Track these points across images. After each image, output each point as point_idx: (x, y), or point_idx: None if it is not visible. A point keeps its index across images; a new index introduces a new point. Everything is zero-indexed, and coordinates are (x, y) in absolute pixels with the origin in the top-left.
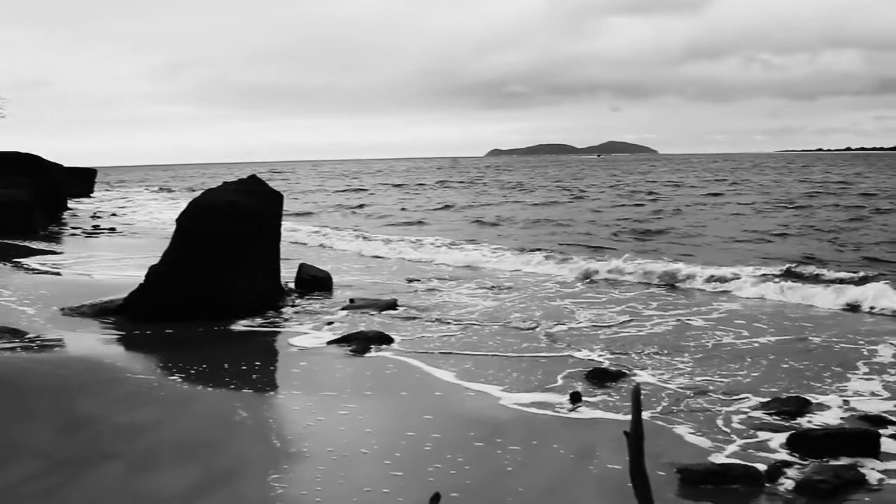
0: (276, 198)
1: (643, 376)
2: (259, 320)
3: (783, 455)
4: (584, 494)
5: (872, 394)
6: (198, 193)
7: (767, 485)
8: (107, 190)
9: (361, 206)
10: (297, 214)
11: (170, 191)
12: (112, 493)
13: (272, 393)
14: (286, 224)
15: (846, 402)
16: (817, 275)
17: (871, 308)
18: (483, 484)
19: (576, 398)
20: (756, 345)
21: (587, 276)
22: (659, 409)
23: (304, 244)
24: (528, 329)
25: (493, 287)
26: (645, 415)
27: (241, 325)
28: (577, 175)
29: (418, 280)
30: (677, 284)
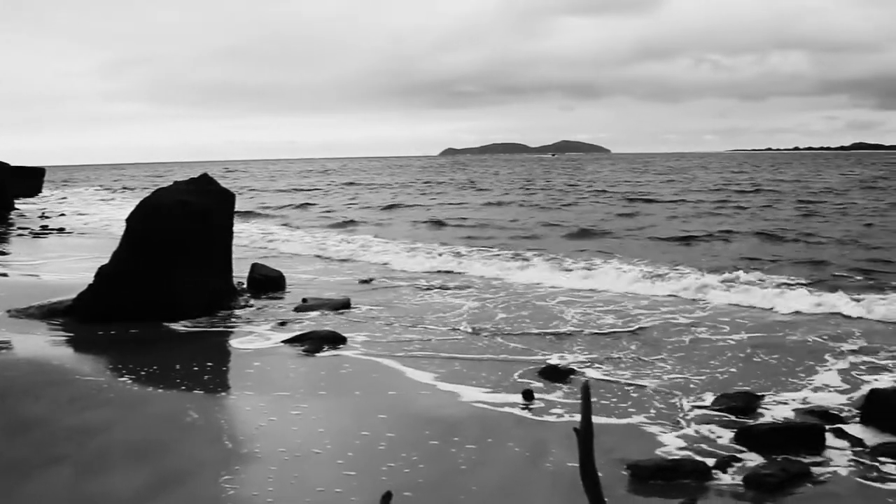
0: (228, 197)
1: (594, 373)
2: (211, 320)
3: (732, 450)
4: (537, 492)
5: (819, 390)
6: (148, 193)
7: (716, 479)
8: (56, 189)
9: (310, 205)
10: (248, 213)
11: (120, 190)
12: (61, 496)
13: (224, 394)
14: (237, 223)
15: (794, 398)
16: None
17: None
18: (436, 482)
19: (528, 396)
20: (706, 342)
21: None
22: (610, 405)
23: (255, 243)
24: (480, 328)
25: (444, 287)
26: (595, 411)
27: (192, 326)
28: (545, 175)
29: (371, 280)
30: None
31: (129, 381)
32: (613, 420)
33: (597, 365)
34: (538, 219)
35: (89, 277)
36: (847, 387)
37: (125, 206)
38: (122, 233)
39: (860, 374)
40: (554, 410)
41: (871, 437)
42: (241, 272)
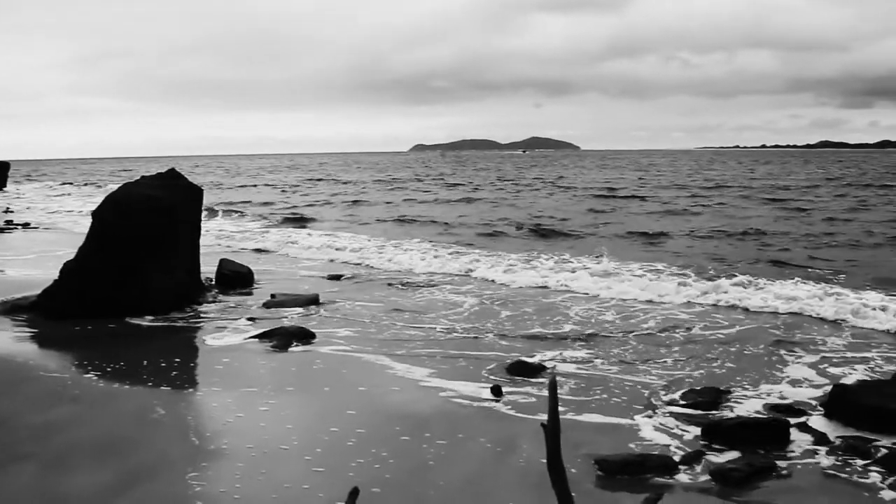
0: (196, 192)
1: (564, 370)
2: (178, 316)
3: (699, 445)
4: (504, 487)
5: (785, 385)
6: (116, 187)
7: (683, 473)
8: (21, 184)
9: (279, 201)
10: (215, 209)
11: (88, 185)
12: (25, 494)
13: (191, 390)
14: (205, 220)
15: (760, 393)
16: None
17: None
18: (405, 478)
19: (497, 392)
20: (674, 338)
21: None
22: (579, 401)
23: (222, 240)
24: (449, 326)
25: (411, 284)
26: (564, 407)
27: (159, 322)
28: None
29: (340, 276)
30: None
31: (95, 378)
32: (582, 416)
33: (567, 361)
34: (497, 215)
35: (54, 273)
36: (812, 382)
37: (92, 200)
38: (87, 228)
39: (825, 370)
40: (523, 406)
41: (833, 431)
42: (208, 268)
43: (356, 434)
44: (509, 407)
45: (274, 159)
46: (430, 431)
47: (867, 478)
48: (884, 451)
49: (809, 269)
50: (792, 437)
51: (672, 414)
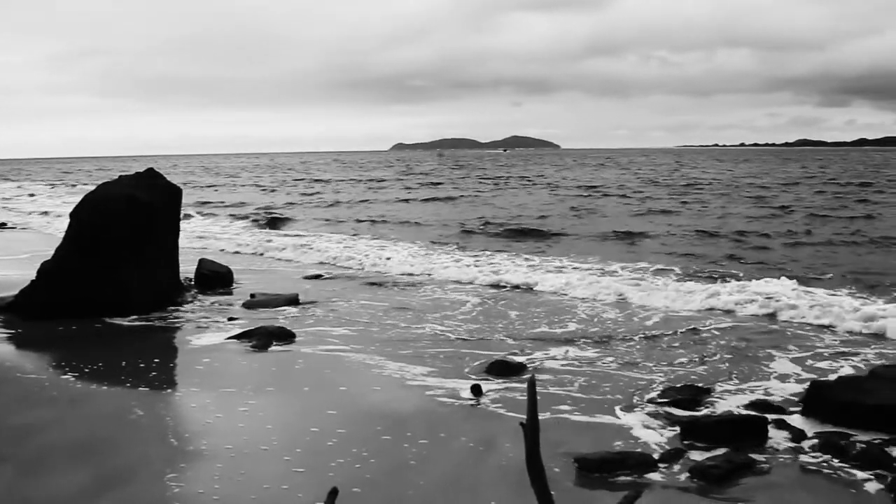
0: (175, 192)
1: (544, 368)
2: (157, 316)
3: (678, 442)
4: (484, 486)
5: (764, 383)
6: (94, 187)
7: (662, 471)
8: None
9: (258, 202)
10: (193, 209)
11: (66, 184)
12: (2, 497)
13: (170, 390)
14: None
15: (740, 391)
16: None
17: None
18: (385, 478)
19: (477, 391)
20: (655, 338)
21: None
22: (559, 399)
23: (202, 241)
24: (429, 325)
25: (389, 284)
26: (544, 405)
27: (138, 322)
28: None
29: (319, 276)
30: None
31: (73, 379)
32: (563, 414)
33: (547, 360)
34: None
35: (31, 273)
36: (791, 380)
37: (70, 200)
38: (65, 227)
39: (805, 369)
40: (503, 405)
41: (811, 427)
42: (187, 268)
43: (336, 434)
44: (489, 406)
45: (254, 158)
46: (410, 431)
47: (844, 473)
48: (860, 446)
49: (790, 269)
50: (770, 435)
51: (652, 412)
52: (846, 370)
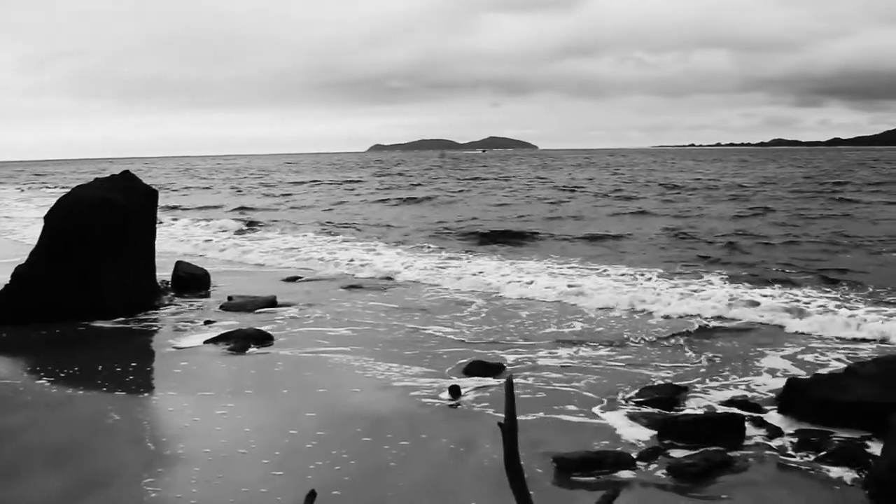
0: (151, 194)
1: (522, 369)
2: (134, 320)
3: (656, 441)
4: (463, 487)
5: (741, 382)
6: (68, 190)
7: (640, 470)
8: None
9: (238, 204)
10: (171, 211)
11: (39, 187)
12: None
13: (147, 394)
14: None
15: (717, 389)
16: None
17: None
18: (365, 480)
19: (455, 392)
20: (632, 339)
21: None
22: (537, 400)
23: (181, 245)
24: (407, 326)
25: (364, 286)
26: (523, 406)
27: (115, 325)
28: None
29: (297, 278)
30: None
31: (48, 384)
32: (541, 414)
33: (525, 361)
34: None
35: (5, 278)
36: (769, 379)
37: (44, 203)
38: (39, 231)
39: (783, 368)
40: (481, 405)
41: (788, 425)
42: (164, 271)
43: (316, 436)
44: (468, 406)
45: (231, 160)
46: (389, 432)
47: (820, 470)
48: (836, 443)
49: (771, 270)
50: (748, 432)
51: (630, 412)
52: (824, 368)
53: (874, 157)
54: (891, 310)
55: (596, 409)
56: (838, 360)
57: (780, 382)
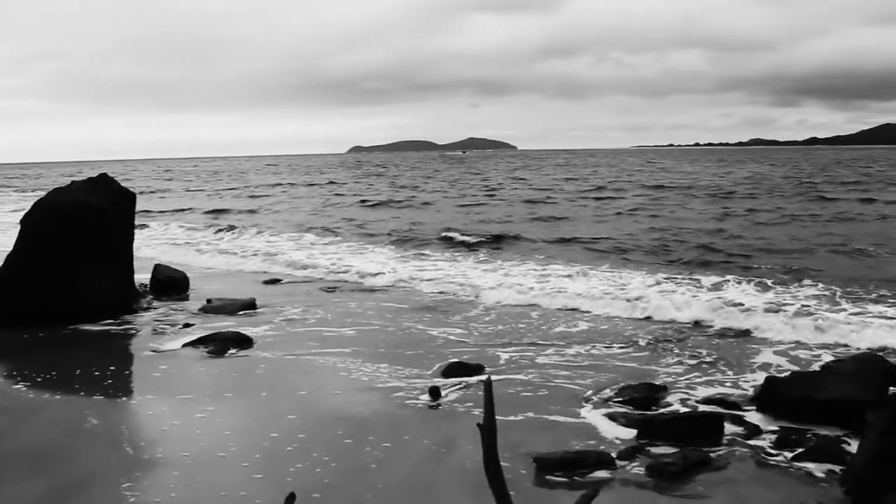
0: (128, 197)
1: (502, 370)
2: (112, 323)
3: (635, 440)
4: (443, 488)
5: (719, 380)
6: (45, 193)
7: (620, 469)
8: None
9: (218, 207)
10: (148, 214)
11: (16, 190)
12: None
13: (125, 398)
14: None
15: (696, 388)
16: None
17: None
18: (345, 482)
19: (435, 393)
20: (612, 340)
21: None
22: (517, 400)
23: (161, 246)
24: (388, 328)
25: (343, 289)
26: (503, 406)
27: (92, 329)
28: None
29: (278, 280)
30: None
31: (25, 388)
32: (521, 415)
33: (504, 361)
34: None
35: None
36: (748, 378)
37: (21, 207)
38: (16, 235)
39: (760, 366)
40: (462, 406)
41: (766, 423)
42: (142, 274)
43: (297, 439)
44: (448, 407)
45: (209, 162)
46: (369, 434)
47: (797, 467)
48: (813, 440)
49: (752, 270)
50: (726, 431)
51: (610, 411)
52: (802, 367)
53: (854, 156)
54: (873, 309)
55: (576, 409)
56: (816, 358)
57: (760, 381)
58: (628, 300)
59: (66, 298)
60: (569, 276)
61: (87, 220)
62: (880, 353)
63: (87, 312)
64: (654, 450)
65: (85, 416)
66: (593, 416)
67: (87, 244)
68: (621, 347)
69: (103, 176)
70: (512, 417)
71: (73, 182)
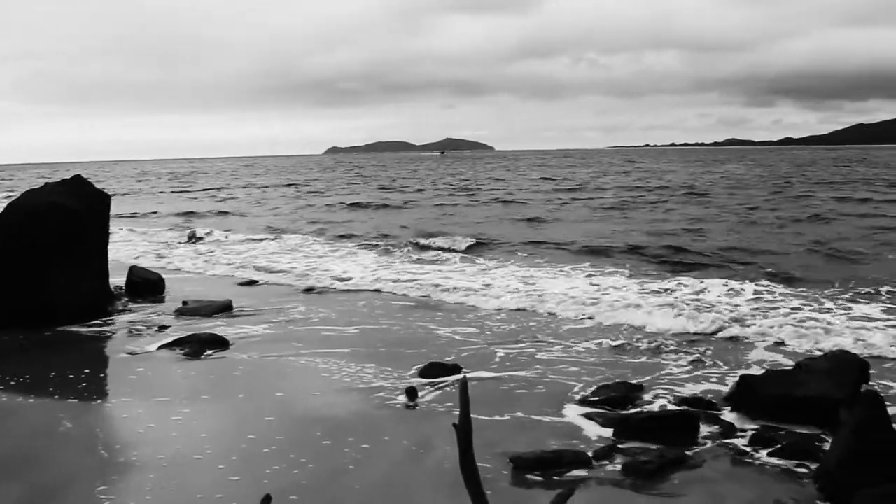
0: (103, 199)
1: (479, 371)
2: (87, 326)
3: (612, 439)
4: (420, 488)
5: (696, 379)
6: (18, 194)
7: (597, 468)
8: None
9: (192, 210)
10: (122, 217)
11: None
12: None
13: (100, 401)
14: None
15: (672, 387)
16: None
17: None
18: (323, 483)
19: (412, 394)
20: (580, 336)
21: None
22: (494, 400)
23: (135, 248)
24: (367, 329)
25: (320, 290)
26: (480, 407)
27: (67, 331)
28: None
29: (255, 282)
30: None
31: None
32: (497, 415)
33: (479, 362)
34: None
35: None
36: (723, 376)
37: None
38: None
39: (736, 365)
40: (438, 406)
41: (741, 421)
42: (118, 277)
43: (275, 440)
44: (426, 407)
45: (185, 164)
46: (347, 435)
47: (772, 465)
48: (788, 438)
49: (731, 270)
50: (702, 430)
51: (586, 411)
52: (777, 365)
53: (833, 156)
54: (857, 310)
55: (553, 409)
56: (794, 357)
57: (733, 378)
58: (607, 301)
59: (40, 301)
60: (548, 277)
61: (61, 222)
62: (854, 351)
63: (61, 315)
64: (630, 449)
65: (59, 420)
66: (571, 415)
67: (61, 246)
68: (599, 348)
69: (77, 177)
70: (488, 417)
71: (46, 184)
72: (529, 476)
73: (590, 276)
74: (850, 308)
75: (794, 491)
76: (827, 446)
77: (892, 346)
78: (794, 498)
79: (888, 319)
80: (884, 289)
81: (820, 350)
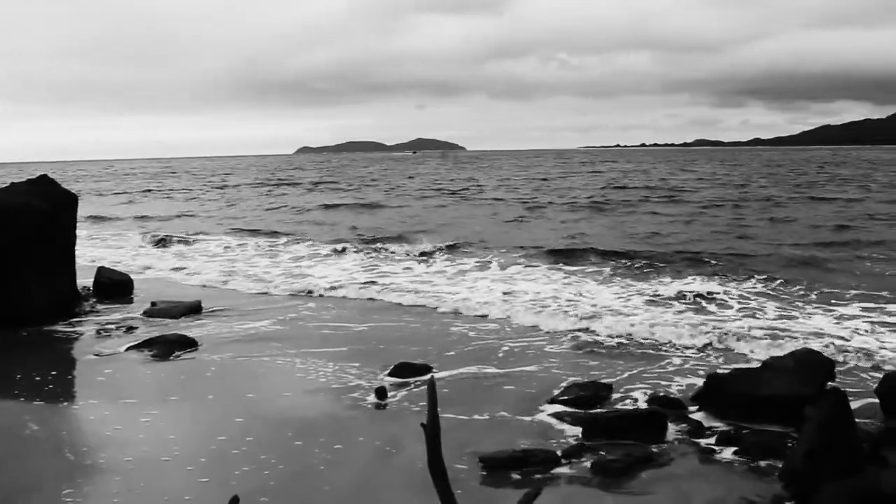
0: (70, 199)
1: (449, 371)
2: (54, 327)
3: (581, 438)
4: (390, 487)
5: (665, 379)
6: None
7: (565, 467)
8: None
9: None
10: (91, 217)
11: None
12: None
13: (67, 403)
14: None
15: (642, 387)
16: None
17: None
18: (292, 484)
19: (381, 394)
20: (551, 338)
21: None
22: (464, 400)
23: (102, 249)
24: (340, 331)
25: (288, 293)
26: (450, 407)
27: (34, 333)
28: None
29: (226, 282)
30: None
31: None
32: (468, 415)
33: (449, 362)
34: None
35: None
36: (691, 375)
37: None
38: None
39: (704, 364)
40: (410, 406)
41: (709, 420)
42: (85, 278)
43: (245, 442)
44: (396, 407)
45: (156, 163)
46: (317, 435)
47: (738, 462)
48: (754, 436)
49: (708, 269)
50: (670, 428)
51: (556, 410)
52: (745, 365)
53: (805, 157)
54: (840, 311)
55: (523, 408)
56: (760, 357)
57: (701, 378)
58: (582, 303)
59: (7, 301)
60: (523, 279)
61: (28, 222)
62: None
63: (27, 316)
64: (599, 447)
65: (25, 423)
66: (541, 415)
67: (28, 247)
68: (569, 349)
69: (44, 177)
70: (458, 417)
71: (12, 183)
72: (499, 475)
73: (566, 276)
74: (818, 307)
75: (761, 488)
76: (793, 444)
77: (858, 345)
78: (760, 495)
79: (854, 318)
80: (850, 293)
81: (787, 348)
